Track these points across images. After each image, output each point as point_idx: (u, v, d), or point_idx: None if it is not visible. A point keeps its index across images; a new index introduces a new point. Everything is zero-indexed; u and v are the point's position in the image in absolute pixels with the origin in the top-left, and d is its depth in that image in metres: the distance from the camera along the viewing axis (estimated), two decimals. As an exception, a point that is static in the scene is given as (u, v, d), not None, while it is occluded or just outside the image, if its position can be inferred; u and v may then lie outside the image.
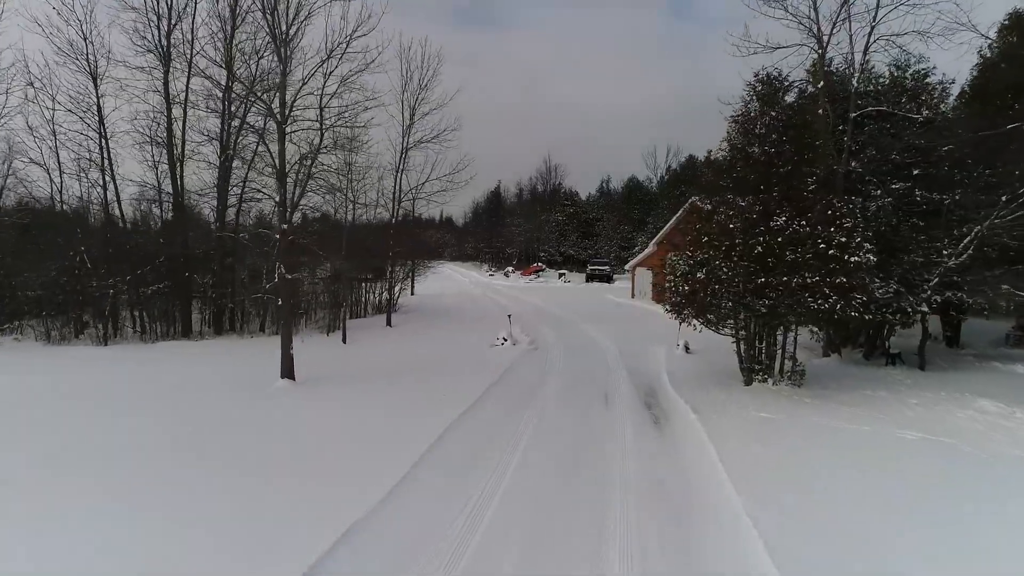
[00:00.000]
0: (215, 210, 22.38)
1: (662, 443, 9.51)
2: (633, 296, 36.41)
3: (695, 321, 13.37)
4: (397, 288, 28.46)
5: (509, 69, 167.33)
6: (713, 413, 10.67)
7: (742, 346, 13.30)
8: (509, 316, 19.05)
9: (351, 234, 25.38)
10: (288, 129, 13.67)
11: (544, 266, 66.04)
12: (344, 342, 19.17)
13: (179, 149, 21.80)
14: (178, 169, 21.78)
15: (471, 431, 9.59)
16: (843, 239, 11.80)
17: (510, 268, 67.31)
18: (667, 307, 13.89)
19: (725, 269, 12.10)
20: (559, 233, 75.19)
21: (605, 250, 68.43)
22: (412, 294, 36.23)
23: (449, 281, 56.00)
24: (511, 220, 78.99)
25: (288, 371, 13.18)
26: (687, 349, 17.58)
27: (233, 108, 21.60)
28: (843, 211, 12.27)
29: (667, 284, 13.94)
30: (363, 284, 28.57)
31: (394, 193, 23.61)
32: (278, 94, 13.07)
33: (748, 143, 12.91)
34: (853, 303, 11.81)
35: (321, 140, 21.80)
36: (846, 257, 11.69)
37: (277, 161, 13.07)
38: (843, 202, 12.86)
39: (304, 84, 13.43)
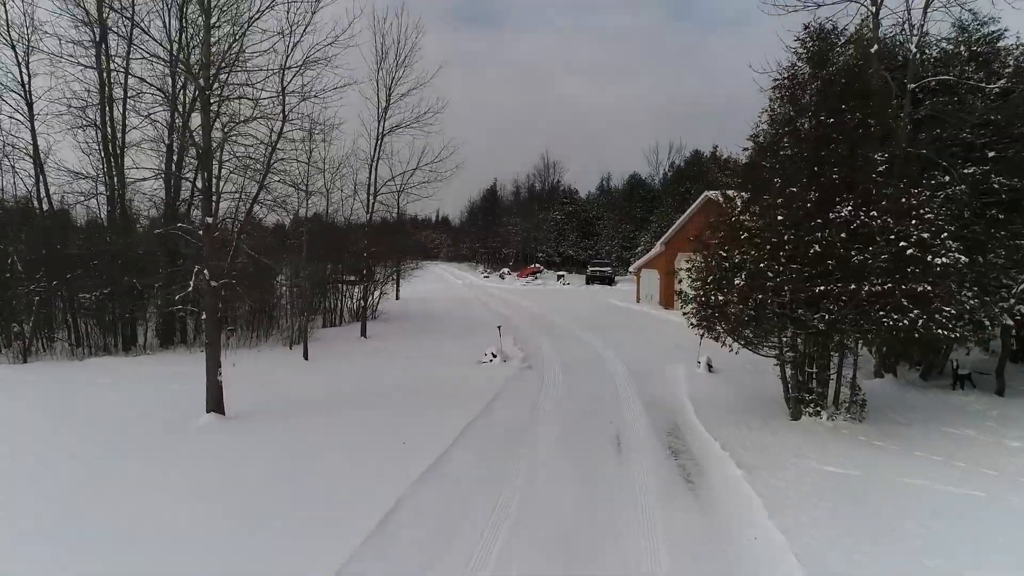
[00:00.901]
0: (163, 204, 19.69)
1: (702, 518, 6.89)
2: (638, 300, 33.81)
3: (728, 340, 10.77)
4: (377, 293, 25.83)
5: (507, 69, 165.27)
6: (762, 466, 8.05)
7: (788, 370, 10.70)
8: (499, 327, 16.47)
9: (323, 233, 22.81)
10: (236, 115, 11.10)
11: (542, 267, 63.40)
12: (305, 358, 16.54)
13: (119, 135, 19.13)
14: (118, 157, 19.11)
15: (431, 506, 6.95)
16: (924, 235, 9.21)
17: (506, 269, 64.65)
18: (692, 321, 11.27)
19: (770, 274, 9.48)
20: (558, 233, 72.59)
21: (606, 250, 65.85)
22: (397, 298, 33.60)
23: (440, 283, 53.38)
24: (507, 219, 76.37)
25: (216, 403, 10.55)
26: (710, 367, 14.98)
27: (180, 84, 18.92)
28: (921, 200, 9.67)
29: (689, 291, 11.33)
30: (341, 288, 25.93)
31: (369, 185, 20.99)
32: (201, 53, 10.43)
33: (796, 114, 10.29)
34: (937, 317, 9.20)
35: (283, 126, 19.20)
36: (929, 258, 9.10)
37: (200, 137, 10.44)
38: (920, 188, 10.26)
39: (237, 41, 10.79)
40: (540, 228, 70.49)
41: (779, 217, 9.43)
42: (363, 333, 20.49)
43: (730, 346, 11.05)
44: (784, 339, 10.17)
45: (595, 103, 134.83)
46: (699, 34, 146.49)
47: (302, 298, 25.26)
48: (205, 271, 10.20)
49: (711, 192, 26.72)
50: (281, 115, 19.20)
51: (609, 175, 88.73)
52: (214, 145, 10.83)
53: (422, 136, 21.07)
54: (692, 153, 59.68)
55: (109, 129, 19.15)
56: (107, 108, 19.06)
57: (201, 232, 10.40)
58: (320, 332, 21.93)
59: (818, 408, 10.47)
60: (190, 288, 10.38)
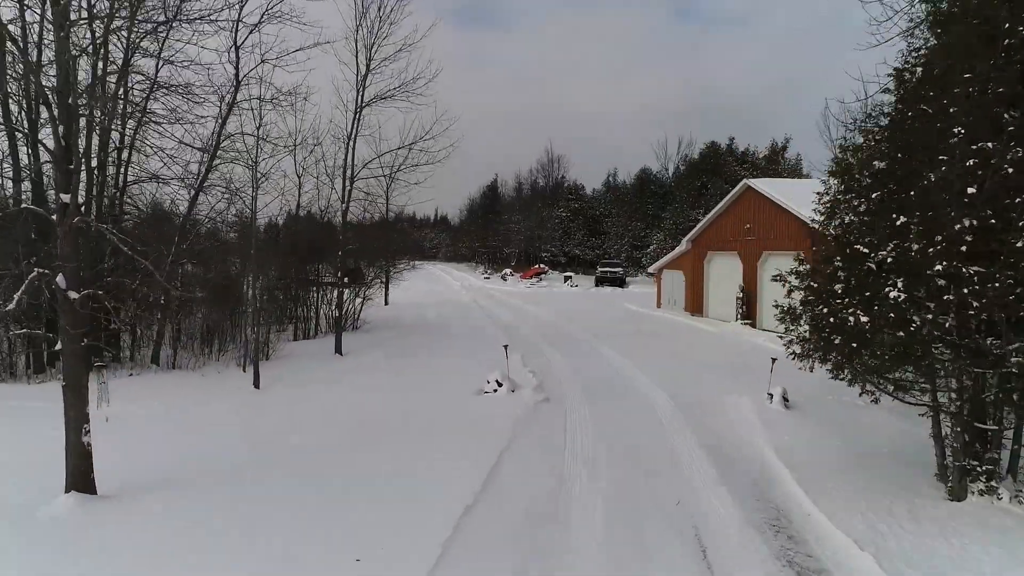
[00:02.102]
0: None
1: None
2: (660, 305, 30.33)
3: (861, 382, 7.26)
4: (359, 299, 22.33)
5: (509, 68, 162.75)
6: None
7: (947, 427, 7.19)
8: (505, 347, 13.02)
9: (292, 228, 19.40)
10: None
11: (547, 268, 59.82)
12: (256, 386, 13.05)
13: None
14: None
15: None
16: None
17: (508, 270, 61.01)
18: (793, 350, 7.76)
19: (944, 282, 5.97)
20: (563, 231, 69.11)
21: (615, 249, 62.33)
22: (386, 303, 30.10)
23: (438, 285, 49.89)
24: (509, 217, 72.86)
25: (80, 477, 7.06)
26: (785, 401, 11.49)
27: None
28: None
29: (794, 304, 7.83)
30: (317, 293, 22.39)
31: (345, 168, 17.49)
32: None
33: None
34: None
35: (236, 93, 15.68)
36: None
37: (57, 75, 6.94)
38: None
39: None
40: (544, 226, 66.95)
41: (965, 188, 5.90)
42: (338, 349, 17.00)
43: (873, 396, 7.51)
44: (962, 382, 6.63)
45: (597, 102, 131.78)
46: (701, 33, 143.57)
47: (262, 308, 21.84)
48: (60, 277, 6.71)
49: (755, 180, 23.24)
50: (234, 80, 15.78)
51: (615, 170, 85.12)
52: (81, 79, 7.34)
53: (410, 109, 17.34)
54: (708, 145, 56.12)
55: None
56: None
57: (66, 219, 6.87)
58: (288, 347, 18.45)
59: (992, 483, 6.97)
60: (12, 303, 6.84)
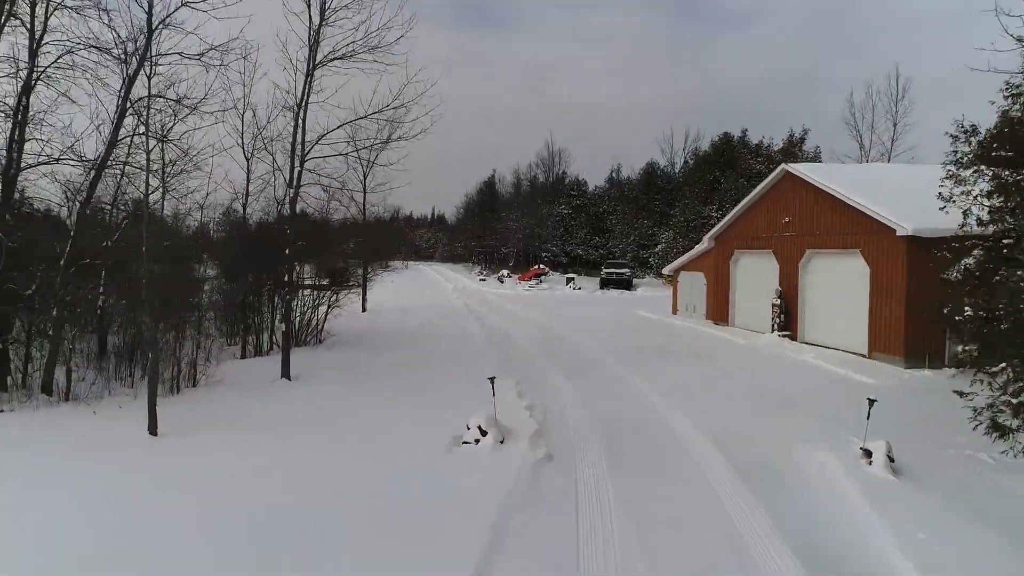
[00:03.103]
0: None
1: None
2: (675, 311, 26.96)
3: None
4: (324, 308, 18.91)
5: (511, 68, 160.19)
6: None
7: None
8: (492, 380, 9.66)
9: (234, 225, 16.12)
10: None
11: (547, 268, 56.30)
12: (152, 432, 9.61)
13: None
14: None
15: None
16: None
17: (505, 271, 57.48)
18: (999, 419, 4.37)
19: None
20: (564, 229, 65.68)
21: (620, 249, 58.95)
22: (364, 310, 26.73)
23: (429, 288, 46.52)
24: (507, 214, 69.45)
25: None
26: (891, 462, 8.09)
27: None
28: None
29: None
30: (270, 302, 18.91)
31: (293, 145, 14.04)
32: None
33: None
34: None
35: (148, 46, 12.40)
36: None
37: None
38: None
39: None
40: (544, 224, 63.48)
41: None
42: (285, 373, 13.61)
43: None
44: None
45: (598, 101, 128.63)
46: (705, 34, 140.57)
47: (221, 313, 18.43)
48: None
49: (795, 165, 19.90)
50: (146, 28, 12.40)
51: (619, 166, 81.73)
52: None
53: (378, 73, 13.87)
54: (721, 137, 52.64)
55: None
56: None
57: None
58: (229, 368, 15.01)
59: None
60: None
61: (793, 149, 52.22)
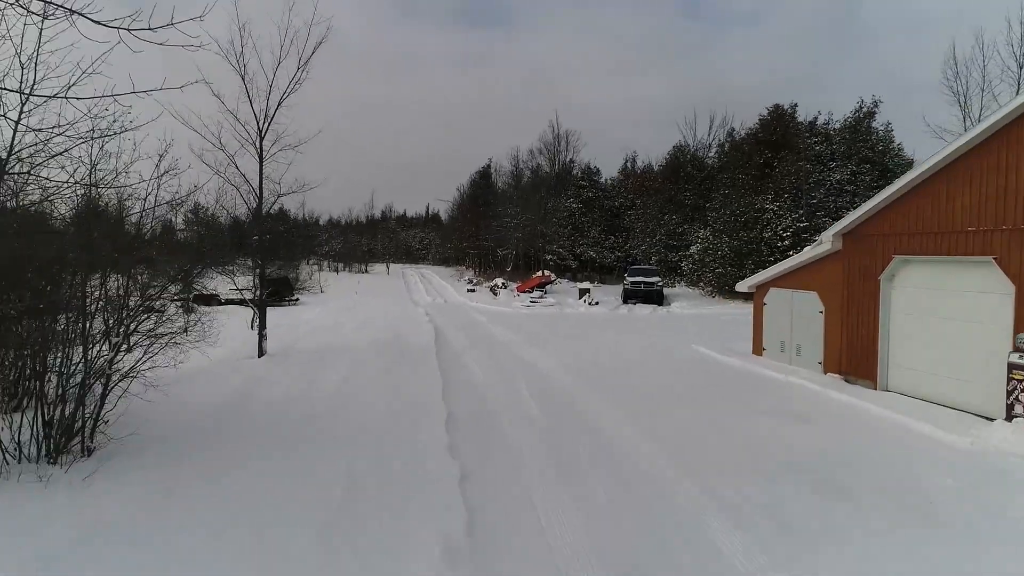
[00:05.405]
0: None
1: None
2: (760, 351, 17.29)
3: None
4: (124, 361, 9.19)
5: (516, 67, 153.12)
6: None
7: None
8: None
9: None
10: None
11: (553, 276, 46.39)
12: None
13: None
14: None
15: None
16: None
17: (500, 280, 47.47)
18: None
19: None
20: (572, 227, 56.07)
21: (643, 251, 49.35)
22: (260, 354, 17.13)
23: (397, 306, 36.97)
24: (504, 209, 59.83)
25: None
26: None
27: None
28: None
29: None
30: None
31: None
32: None
33: None
34: None
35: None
36: None
37: None
38: None
39: None
40: (548, 221, 53.76)
41: None
42: None
43: None
44: None
45: (600, 101, 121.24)
46: (710, 33, 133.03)
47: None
48: None
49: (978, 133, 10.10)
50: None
51: (635, 154, 72.04)
52: None
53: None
54: (772, 110, 42.88)
55: None
56: None
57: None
58: None
59: None
60: None
61: (859, 126, 42.38)
